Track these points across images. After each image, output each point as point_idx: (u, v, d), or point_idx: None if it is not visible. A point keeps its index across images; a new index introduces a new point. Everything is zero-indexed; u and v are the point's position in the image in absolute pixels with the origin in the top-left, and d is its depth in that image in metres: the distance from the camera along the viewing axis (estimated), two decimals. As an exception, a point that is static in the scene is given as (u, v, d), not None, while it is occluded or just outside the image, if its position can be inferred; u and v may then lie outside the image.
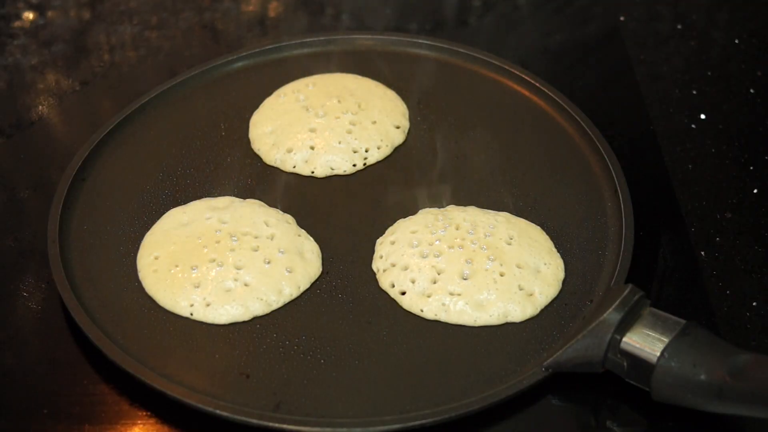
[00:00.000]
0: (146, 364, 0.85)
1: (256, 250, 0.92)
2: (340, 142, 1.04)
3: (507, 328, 0.88)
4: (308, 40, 1.18)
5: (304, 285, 0.92)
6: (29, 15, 1.28)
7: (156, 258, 0.93)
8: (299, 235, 0.95)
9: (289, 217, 0.97)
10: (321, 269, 0.94)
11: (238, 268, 0.91)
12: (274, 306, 0.90)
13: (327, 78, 1.11)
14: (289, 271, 0.92)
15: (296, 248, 0.94)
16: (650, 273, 0.94)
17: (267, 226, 0.95)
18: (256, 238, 0.93)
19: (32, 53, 1.23)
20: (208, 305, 0.89)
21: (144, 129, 1.08)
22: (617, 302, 0.83)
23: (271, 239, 0.94)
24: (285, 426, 0.81)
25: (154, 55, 1.23)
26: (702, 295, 0.93)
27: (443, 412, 0.82)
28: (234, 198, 0.99)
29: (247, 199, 0.99)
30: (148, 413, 0.85)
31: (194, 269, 0.91)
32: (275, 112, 1.08)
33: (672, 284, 0.94)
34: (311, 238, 0.96)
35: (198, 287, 0.90)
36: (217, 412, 0.82)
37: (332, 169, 1.03)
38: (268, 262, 0.92)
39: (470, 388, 0.84)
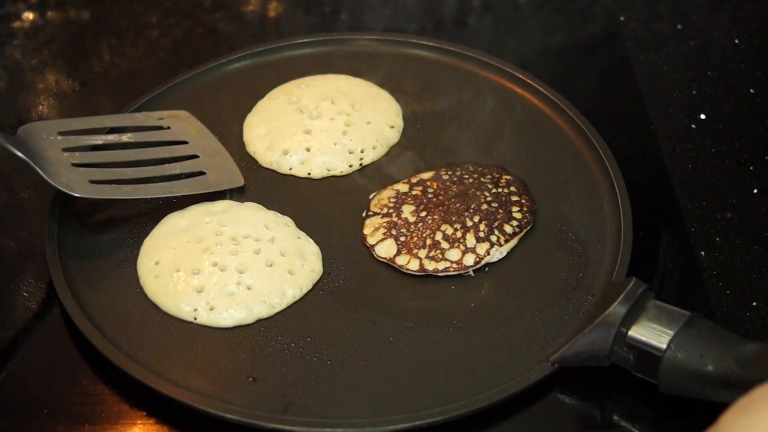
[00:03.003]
0: (152, 370, 0.85)
1: (257, 253, 0.92)
2: (335, 144, 1.04)
3: (510, 324, 0.89)
4: (303, 41, 1.17)
5: (307, 286, 0.92)
6: (29, 15, 1.28)
7: (157, 263, 0.93)
8: (299, 237, 0.95)
9: (288, 220, 0.97)
10: (323, 270, 0.94)
11: (241, 272, 0.91)
12: (278, 308, 0.90)
13: (319, 79, 1.11)
14: (291, 273, 0.92)
15: (297, 250, 0.94)
16: (650, 273, 0.94)
17: (267, 228, 0.95)
18: (256, 241, 0.93)
19: (32, 53, 1.22)
20: (211, 309, 0.89)
21: (144, 129, 1.08)
22: (622, 296, 0.83)
23: (272, 242, 0.94)
24: (295, 428, 0.81)
25: (154, 55, 1.23)
26: (702, 296, 0.93)
27: (451, 410, 0.82)
28: (231, 201, 0.99)
29: (245, 202, 0.99)
30: (148, 413, 0.85)
31: (196, 274, 0.91)
32: (269, 114, 1.07)
33: (672, 284, 0.94)
34: (311, 240, 0.96)
35: (201, 292, 0.90)
36: (228, 416, 0.82)
37: (329, 170, 1.03)
38: (270, 265, 0.92)
39: (477, 384, 0.84)
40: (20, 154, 0.92)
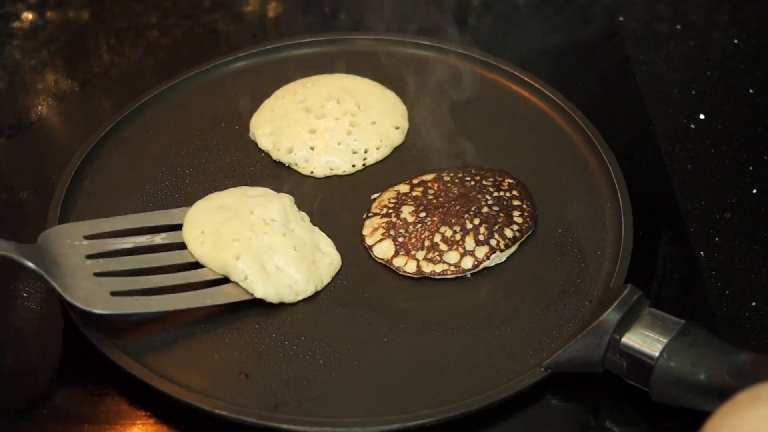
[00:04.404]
0: (146, 365, 0.85)
1: (284, 236, 0.93)
2: (339, 143, 1.04)
3: (505, 328, 0.88)
4: (307, 40, 1.18)
5: (327, 278, 0.92)
6: (29, 15, 1.28)
7: (202, 232, 0.92)
8: (313, 232, 0.96)
9: (303, 215, 0.97)
10: (341, 262, 0.94)
11: (273, 250, 0.91)
12: (301, 296, 0.90)
13: (325, 79, 1.11)
14: (314, 263, 0.92)
15: (314, 243, 0.94)
16: (649, 273, 0.94)
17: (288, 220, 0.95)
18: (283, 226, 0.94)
19: (32, 53, 1.23)
20: (246, 279, 0.89)
21: (143, 129, 1.08)
22: (616, 302, 0.83)
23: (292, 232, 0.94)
24: (284, 426, 0.81)
25: (154, 55, 1.23)
26: (701, 295, 0.93)
27: (443, 412, 0.82)
28: (267, 189, 0.99)
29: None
30: (148, 413, 0.85)
31: (235, 241, 0.91)
32: (275, 114, 1.08)
33: (671, 284, 0.94)
34: (324, 234, 0.96)
35: (239, 259, 0.90)
36: (216, 411, 0.82)
37: (332, 169, 1.03)
38: (295, 250, 0.92)
39: (470, 387, 0.84)
40: (33, 266, 0.84)
